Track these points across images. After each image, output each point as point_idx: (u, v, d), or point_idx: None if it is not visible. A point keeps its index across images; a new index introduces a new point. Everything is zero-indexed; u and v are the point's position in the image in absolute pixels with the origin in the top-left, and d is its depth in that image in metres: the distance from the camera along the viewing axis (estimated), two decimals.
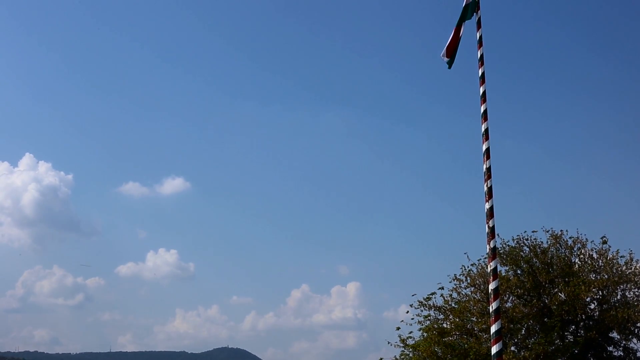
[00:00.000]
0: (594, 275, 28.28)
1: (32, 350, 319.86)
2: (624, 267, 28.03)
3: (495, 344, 15.50)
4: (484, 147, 16.78)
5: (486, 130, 16.91)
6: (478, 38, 17.85)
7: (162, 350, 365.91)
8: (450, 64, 18.65)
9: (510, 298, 29.00)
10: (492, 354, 15.51)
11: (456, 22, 18.36)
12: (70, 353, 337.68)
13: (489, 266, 16.35)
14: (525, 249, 29.18)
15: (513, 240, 29.48)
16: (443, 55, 18.62)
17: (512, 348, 27.34)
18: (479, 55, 17.69)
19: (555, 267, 28.63)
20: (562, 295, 27.61)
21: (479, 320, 27.87)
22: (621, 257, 28.34)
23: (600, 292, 27.92)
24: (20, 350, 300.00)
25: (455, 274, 29.87)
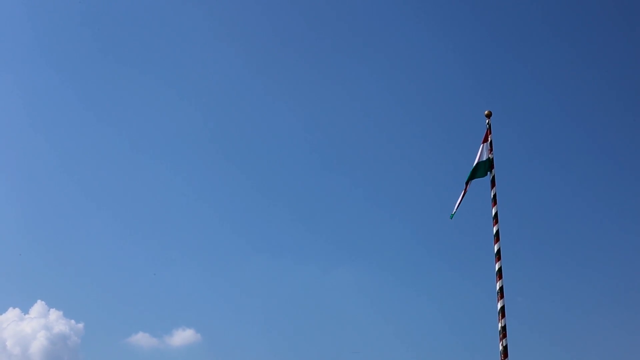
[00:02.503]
0: None
1: None
2: None
3: None
4: (499, 306, 16.56)
5: (501, 288, 16.76)
6: (492, 196, 18.00)
7: None
8: (453, 215, 18.80)
9: None
10: None
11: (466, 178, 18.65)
12: None
13: None
14: None
15: None
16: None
17: None
18: (493, 213, 17.75)
19: None
20: None
21: None
22: None
23: None
24: None
25: None
